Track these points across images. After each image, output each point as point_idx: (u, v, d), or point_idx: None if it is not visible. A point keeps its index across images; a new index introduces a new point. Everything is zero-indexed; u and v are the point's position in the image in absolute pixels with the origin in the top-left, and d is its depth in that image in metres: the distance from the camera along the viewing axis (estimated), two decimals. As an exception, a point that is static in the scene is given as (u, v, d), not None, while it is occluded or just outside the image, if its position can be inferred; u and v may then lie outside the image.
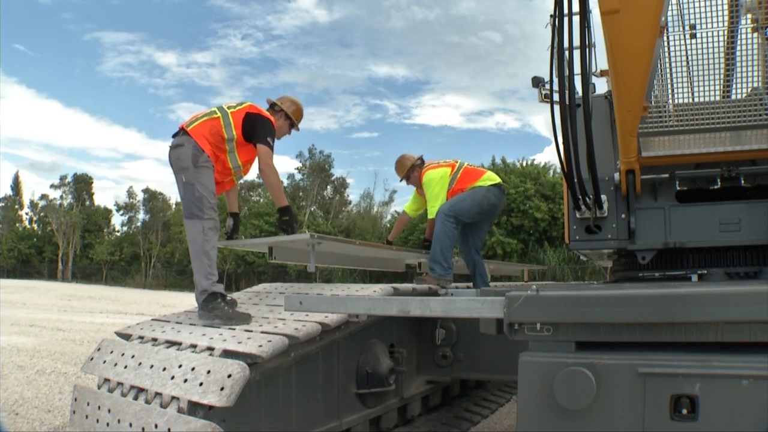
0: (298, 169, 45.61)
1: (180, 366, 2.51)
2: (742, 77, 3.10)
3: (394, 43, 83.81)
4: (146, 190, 54.03)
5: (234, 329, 2.81)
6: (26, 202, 60.96)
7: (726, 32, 3.04)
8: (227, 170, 3.58)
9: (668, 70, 3.18)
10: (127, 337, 3.11)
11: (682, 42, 3.09)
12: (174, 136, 3.48)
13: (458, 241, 5.16)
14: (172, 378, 2.47)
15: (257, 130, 3.56)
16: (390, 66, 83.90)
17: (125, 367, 2.74)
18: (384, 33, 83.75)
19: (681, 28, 3.07)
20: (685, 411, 1.84)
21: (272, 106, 3.96)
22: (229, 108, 3.58)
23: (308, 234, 3.50)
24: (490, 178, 5.04)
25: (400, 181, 5.42)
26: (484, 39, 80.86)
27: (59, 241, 52.74)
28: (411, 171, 5.29)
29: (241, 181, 4.04)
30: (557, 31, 2.50)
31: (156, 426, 2.34)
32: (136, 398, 2.55)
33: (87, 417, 2.73)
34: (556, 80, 2.73)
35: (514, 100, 74.32)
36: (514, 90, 74.18)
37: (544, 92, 3.90)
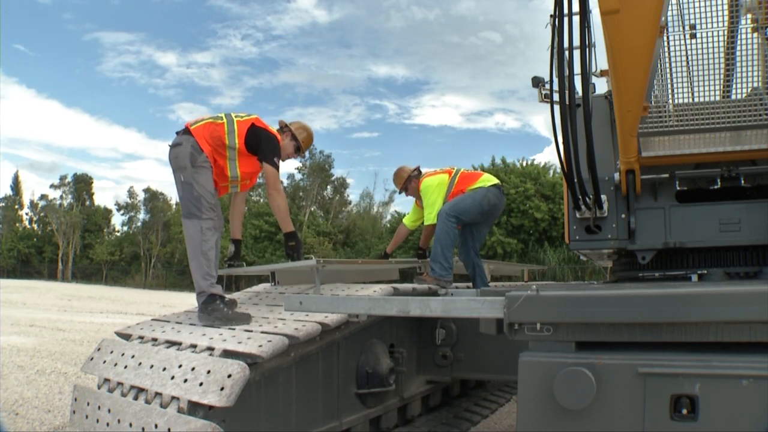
0: (298, 169, 45.63)
1: (180, 366, 2.51)
2: (742, 77, 3.10)
3: (394, 44, 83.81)
4: (147, 190, 54.04)
5: (234, 329, 2.81)
6: (26, 202, 61.00)
7: (726, 32, 3.04)
8: (224, 177, 3.54)
9: (668, 70, 3.18)
10: (127, 337, 3.11)
11: (682, 42, 3.09)
12: (177, 133, 3.47)
13: (458, 243, 5.17)
14: (172, 378, 2.47)
15: (263, 145, 3.53)
16: (390, 66, 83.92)
17: (125, 367, 2.74)
18: (384, 33, 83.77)
19: (681, 28, 3.07)
20: (685, 411, 1.85)
21: (282, 128, 3.91)
22: (236, 117, 3.55)
23: (314, 260, 3.42)
24: (489, 179, 5.07)
25: (399, 193, 5.43)
26: (483, 39, 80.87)
27: (59, 241, 52.73)
28: (408, 182, 5.30)
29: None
30: (557, 31, 2.50)
31: (156, 426, 2.34)
32: (136, 398, 2.55)
33: (87, 417, 2.74)
34: (556, 80, 2.73)
35: (513, 100, 74.30)
36: (514, 90, 74.17)
37: (544, 92, 3.90)
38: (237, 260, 3.99)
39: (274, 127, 3.82)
